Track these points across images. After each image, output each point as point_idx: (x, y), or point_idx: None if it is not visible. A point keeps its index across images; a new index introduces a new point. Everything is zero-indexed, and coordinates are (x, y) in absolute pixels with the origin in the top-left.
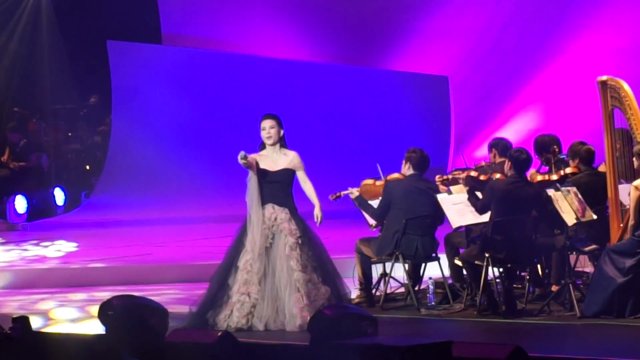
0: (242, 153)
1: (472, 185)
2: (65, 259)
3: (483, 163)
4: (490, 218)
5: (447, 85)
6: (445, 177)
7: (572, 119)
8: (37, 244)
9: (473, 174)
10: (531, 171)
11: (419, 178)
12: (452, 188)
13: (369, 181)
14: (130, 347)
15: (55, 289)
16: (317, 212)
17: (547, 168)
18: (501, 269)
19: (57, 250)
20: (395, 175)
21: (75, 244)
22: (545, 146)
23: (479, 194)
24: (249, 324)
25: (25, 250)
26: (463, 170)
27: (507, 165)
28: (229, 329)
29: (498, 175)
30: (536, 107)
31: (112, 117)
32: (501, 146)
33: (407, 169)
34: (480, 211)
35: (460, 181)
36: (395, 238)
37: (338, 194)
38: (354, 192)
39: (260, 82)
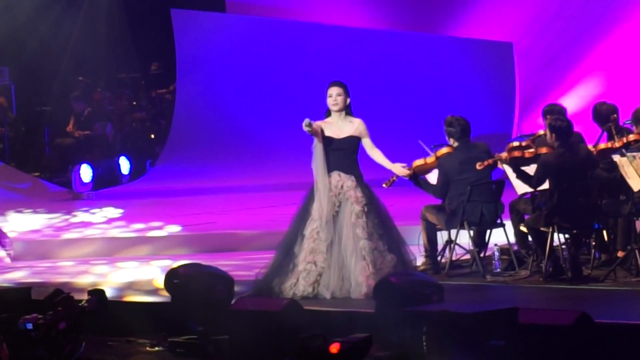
0: (306, 120)
1: (518, 164)
2: (130, 228)
3: (541, 132)
4: (552, 186)
5: (511, 51)
6: (486, 162)
7: (637, 85)
8: (100, 213)
9: (516, 154)
10: (589, 146)
11: (468, 146)
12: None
13: (419, 161)
14: (197, 315)
15: (120, 258)
16: (399, 170)
17: (605, 138)
18: (567, 235)
19: (120, 219)
20: (444, 149)
21: (139, 213)
22: (604, 116)
23: (528, 170)
24: (315, 292)
25: (90, 219)
26: (524, 139)
27: (550, 135)
28: (294, 297)
29: (544, 149)
30: (601, 73)
31: (176, 86)
32: (555, 112)
33: (453, 142)
34: (535, 186)
35: (500, 164)
36: (460, 208)
37: (392, 179)
38: (404, 172)
39: (324, 49)
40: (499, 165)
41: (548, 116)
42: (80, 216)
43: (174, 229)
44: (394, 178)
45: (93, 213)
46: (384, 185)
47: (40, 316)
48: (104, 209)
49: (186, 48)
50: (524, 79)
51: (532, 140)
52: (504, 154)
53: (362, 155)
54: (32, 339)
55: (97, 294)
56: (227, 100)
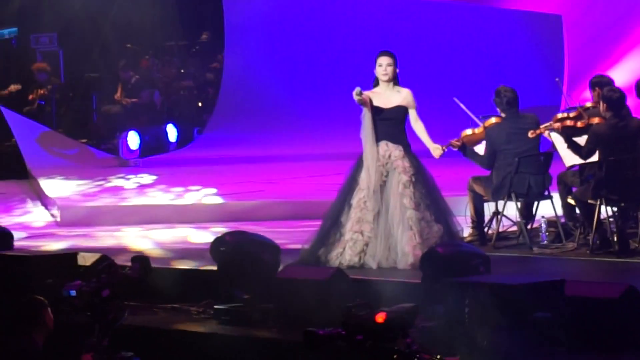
0: (357, 89)
1: (569, 133)
2: (179, 195)
3: (588, 104)
4: (601, 158)
5: (560, 24)
6: (538, 130)
7: None
8: (147, 181)
9: (569, 123)
10: None
11: (516, 117)
12: (556, 134)
13: (468, 131)
14: (243, 283)
15: (168, 224)
16: (435, 151)
17: None
18: (614, 208)
19: (167, 187)
20: (493, 119)
21: (187, 181)
22: None
23: (579, 140)
24: (361, 262)
25: (137, 186)
26: (570, 110)
27: (602, 106)
28: (341, 267)
29: (597, 120)
30: None
31: (224, 54)
32: (603, 84)
33: (501, 112)
34: (585, 157)
35: (548, 135)
36: (507, 180)
37: (442, 149)
38: (455, 143)
39: (373, 20)
40: (547, 136)
41: (596, 87)
42: (128, 183)
43: (220, 197)
44: (444, 147)
45: (140, 180)
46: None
47: (83, 283)
48: (150, 176)
49: (234, 17)
50: (572, 52)
51: (581, 111)
52: (557, 124)
53: (410, 126)
54: (75, 305)
55: (140, 260)
56: (274, 70)
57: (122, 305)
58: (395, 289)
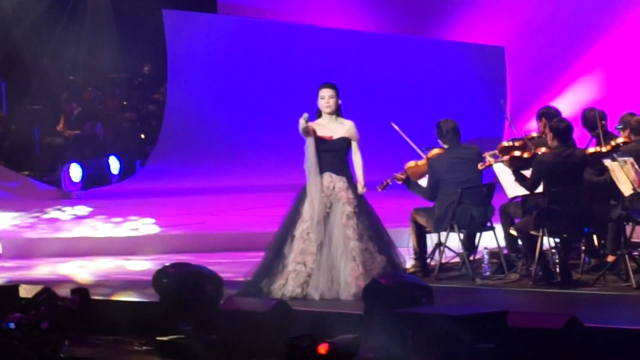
0: (305, 115)
1: (517, 165)
2: (120, 227)
3: (534, 134)
4: (545, 189)
5: (503, 55)
6: (487, 162)
7: (627, 91)
8: (90, 213)
9: (517, 153)
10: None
11: (458, 147)
12: (499, 165)
13: (411, 163)
14: (185, 315)
15: (109, 257)
16: (360, 189)
17: (594, 144)
18: (557, 239)
19: (109, 219)
20: (436, 150)
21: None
22: (592, 122)
23: (526, 173)
24: (304, 293)
25: (79, 218)
26: (516, 140)
27: (549, 136)
28: (283, 298)
29: (543, 149)
30: (592, 78)
31: (167, 86)
32: (551, 115)
33: (443, 144)
34: (530, 188)
35: (504, 163)
36: (450, 211)
37: (385, 183)
38: (399, 177)
39: (315, 51)
40: (490, 162)
41: (543, 118)
42: (69, 215)
43: (163, 229)
44: (389, 181)
45: (82, 212)
46: (378, 188)
47: (23, 316)
48: (92, 208)
49: (177, 48)
50: (515, 83)
51: (526, 141)
52: (505, 156)
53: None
54: (14, 338)
55: (80, 293)
56: (218, 102)
57: (61, 337)
58: (337, 320)
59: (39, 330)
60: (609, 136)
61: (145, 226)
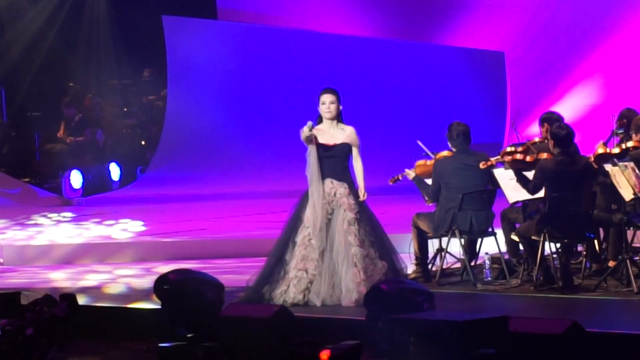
0: (309, 123)
1: (519, 167)
2: (121, 234)
3: (536, 139)
4: (546, 194)
5: (503, 60)
6: (489, 162)
7: (628, 94)
8: (91, 219)
9: (519, 157)
10: (599, 142)
11: (466, 152)
12: (499, 170)
13: (422, 162)
14: (186, 321)
15: (110, 264)
16: (361, 196)
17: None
18: (558, 245)
19: (111, 225)
20: (444, 153)
21: (130, 219)
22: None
23: (528, 175)
24: (305, 300)
25: (80, 225)
26: (518, 145)
27: (550, 143)
28: (285, 304)
29: (545, 155)
30: (593, 83)
31: (167, 93)
32: (553, 120)
33: (452, 146)
34: (532, 192)
35: (506, 165)
36: (450, 215)
37: (396, 177)
38: (410, 173)
39: (315, 57)
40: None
41: (545, 123)
42: (70, 222)
43: (164, 235)
44: (400, 177)
45: (83, 219)
46: (389, 181)
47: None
48: (94, 214)
49: (177, 55)
50: (515, 89)
51: (529, 145)
52: (507, 157)
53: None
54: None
55: (67, 299)
56: (218, 108)
57: (48, 343)
58: (339, 327)
59: (24, 337)
60: (626, 139)
61: (146, 233)
